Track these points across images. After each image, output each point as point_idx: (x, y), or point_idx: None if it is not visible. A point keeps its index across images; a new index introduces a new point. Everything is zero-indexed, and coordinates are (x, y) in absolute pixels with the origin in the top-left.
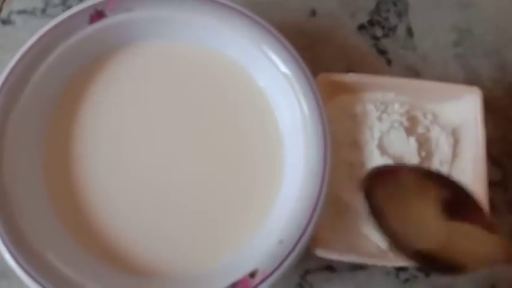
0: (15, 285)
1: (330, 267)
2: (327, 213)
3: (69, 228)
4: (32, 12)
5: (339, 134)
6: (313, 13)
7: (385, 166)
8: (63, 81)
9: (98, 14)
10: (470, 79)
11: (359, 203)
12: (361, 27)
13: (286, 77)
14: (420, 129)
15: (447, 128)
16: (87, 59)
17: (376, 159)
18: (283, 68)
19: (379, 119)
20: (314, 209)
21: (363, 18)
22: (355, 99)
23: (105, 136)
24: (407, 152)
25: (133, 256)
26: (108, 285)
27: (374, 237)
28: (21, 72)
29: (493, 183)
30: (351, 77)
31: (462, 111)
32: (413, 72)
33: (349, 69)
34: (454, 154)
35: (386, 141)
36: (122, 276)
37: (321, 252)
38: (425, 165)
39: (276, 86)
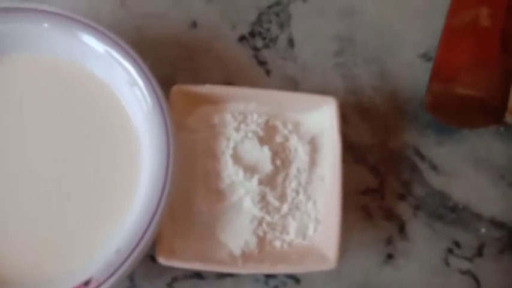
0: None
1: (198, 274)
2: (179, 222)
3: None
4: None
5: (197, 144)
6: (194, 25)
7: None
8: None
9: None
10: (351, 88)
11: (215, 211)
12: (242, 39)
13: (137, 88)
14: (278, 139)
15: (305, 137)
16: None
17: (229, 169)
18: (132, 79)
19: (237, 129)
20: (152, 218)
21: (244, 30)
22: (216, 110)
23: None
24: (261, 160)
25: None
26: None
27: (230, 244)
28: None
29: (370, 190)
30: (206, 89)
31: (321, 120)
32: (293, 82)
33: (227, 80)
34: (313, 162)
35: (241, 151)
36: None
37: (164, 261)
38: (283, 172)
39: (132, 97)
